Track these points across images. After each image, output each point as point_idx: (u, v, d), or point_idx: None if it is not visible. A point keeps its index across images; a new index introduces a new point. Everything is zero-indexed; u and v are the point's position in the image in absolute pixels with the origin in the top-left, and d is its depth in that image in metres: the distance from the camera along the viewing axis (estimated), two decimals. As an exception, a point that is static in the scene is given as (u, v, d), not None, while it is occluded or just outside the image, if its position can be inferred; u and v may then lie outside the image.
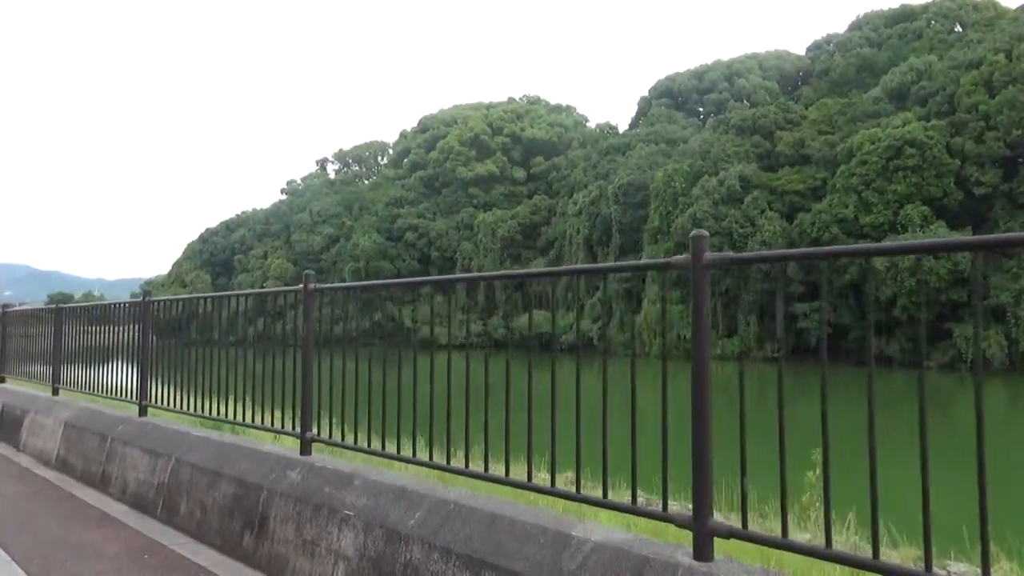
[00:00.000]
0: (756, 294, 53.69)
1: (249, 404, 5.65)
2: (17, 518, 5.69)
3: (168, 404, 6.68)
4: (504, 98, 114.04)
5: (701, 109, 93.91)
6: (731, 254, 2.72)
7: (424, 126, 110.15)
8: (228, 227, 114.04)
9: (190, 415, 6.28)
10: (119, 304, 7.74)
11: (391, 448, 4.17)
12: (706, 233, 2.75)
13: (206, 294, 6.59)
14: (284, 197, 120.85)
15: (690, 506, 2.80)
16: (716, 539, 2.63)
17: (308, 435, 4.81)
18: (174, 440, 5.95)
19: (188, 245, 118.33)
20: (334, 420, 4.89)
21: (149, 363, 6.99)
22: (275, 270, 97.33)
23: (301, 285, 4.88)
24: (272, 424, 5.23)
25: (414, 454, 4.03)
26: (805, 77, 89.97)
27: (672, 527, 2.87)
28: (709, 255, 2.70)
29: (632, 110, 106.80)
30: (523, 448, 3.53)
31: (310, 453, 4.81)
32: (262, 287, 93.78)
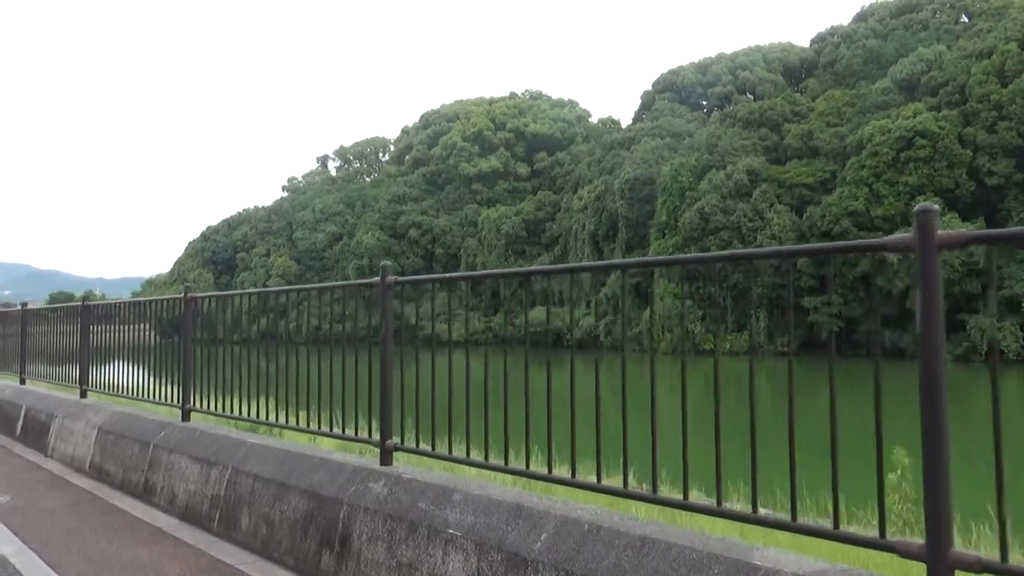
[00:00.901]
0: (766, 287, 53.14)
1: (306, 409, 5.22)
2: (62, 534, 5.25)
3: (213, 408, 6.23)
4: (505, 93, 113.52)
5: (705, 103, 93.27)
6: (968, 232, 2.27)
7: (426, 122, 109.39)
8: (230, 225, 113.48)
9: (245, 421, 5.83)
10: (156, 301, 7.28)
11: (496, 459, 3.73)
12: (936, 208, 2.31)
13: (258, 289, 6.14)
14: (285, 194, 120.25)
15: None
16: (959, 574, 2.19)
17: (389, 443, 4.36)
18: (228, 447, 5.51)
19: (190, 243, 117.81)
20: (405, 425, 4.47)
21: (192, 364, 6.54)
22: (278, 268, 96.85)
23: (378, 278, 4.44)
24: (343, 431, 4.78)
25: (527, 466, 3.59)
26: (809, 69, 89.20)
27: (880, 556, 2.44)
28: (942, 233, 2.26)
29: (632, 104, 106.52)
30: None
31: (391, 463, 4.37)
32: (265, 285, 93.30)
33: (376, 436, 4.48)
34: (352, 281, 4.91)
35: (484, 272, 4.26)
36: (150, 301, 7.43)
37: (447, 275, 4.44)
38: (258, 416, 5.64)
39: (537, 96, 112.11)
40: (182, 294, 6.52)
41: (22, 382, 10.69)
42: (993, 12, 66.53)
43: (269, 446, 5.23)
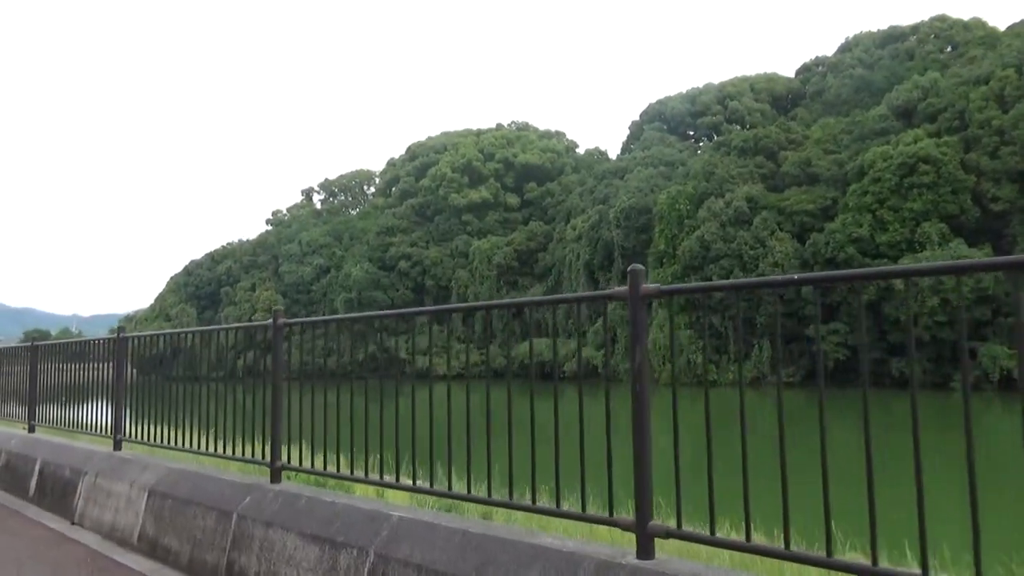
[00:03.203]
0: (769, 316, 52.23)
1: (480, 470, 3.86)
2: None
3: (322, 467, 4.81)
4: (490, 125, 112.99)
5: (693, 132, 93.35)
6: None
7: (413, 154, 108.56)
8: (213, 259, 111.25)
9: (389, 487, 4.41)
10: (230, 329, 5.86)
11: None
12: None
13: (402, 310, 4.77)
14: (270, 228, 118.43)
15: None
16: None
17: (655, 527, 3.00)
18: (360, 523, 4.10)
19: (171, 278, 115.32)
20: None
21: (283, 409, 5.14)
22: (263, 302, 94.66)
23: (625, 287, 3.12)
24: (558, 506, 3.40)
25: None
26: (795, 99, 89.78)
27: None
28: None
29: (617, 134, 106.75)
30: None
31: (652, 555, 3.01)
32: (251, 319, 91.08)
33: (623, 513, 3.13)
34: (589, 293, 3.56)
35: (773, 278, 2.97)
36: (223, 329, 5.96)
37: (711, 284, 3.14)
38: (390, 478, 4.24)
39: (524, 127, 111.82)
40: (271, 319, 5.14)
41: (31, 430, 9.15)
42: (979, 41, 67.21)
43: (428, 522, 3.83)
